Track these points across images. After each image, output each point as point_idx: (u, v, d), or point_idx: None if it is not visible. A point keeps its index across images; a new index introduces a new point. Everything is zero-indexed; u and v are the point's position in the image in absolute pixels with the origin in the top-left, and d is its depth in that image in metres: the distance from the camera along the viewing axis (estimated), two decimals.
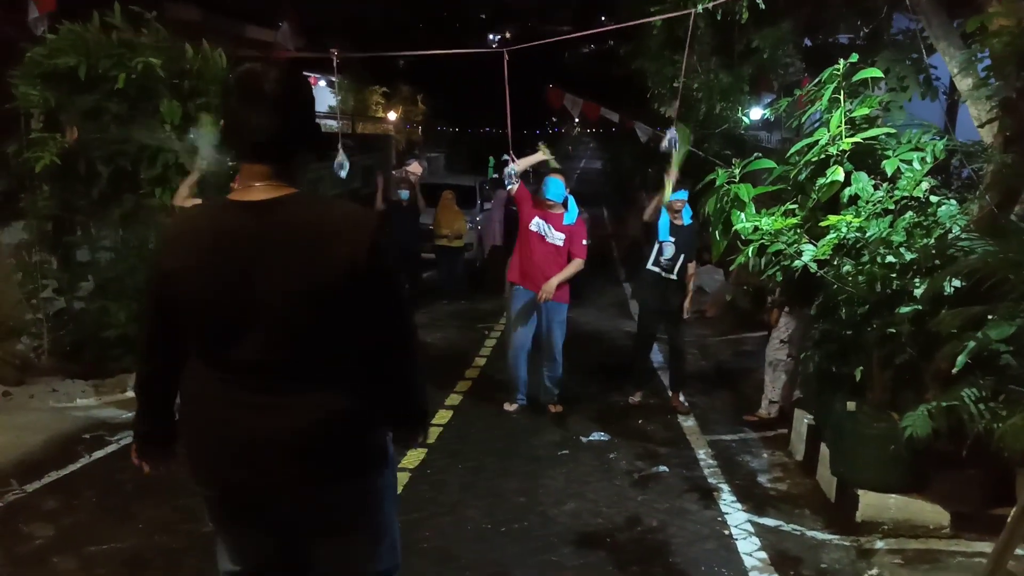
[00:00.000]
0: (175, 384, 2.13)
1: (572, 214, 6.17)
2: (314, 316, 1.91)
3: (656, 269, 6.36)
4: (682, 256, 6.33)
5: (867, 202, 4.45)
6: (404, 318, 2.09)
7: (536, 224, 6.11)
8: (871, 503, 4.43)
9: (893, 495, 4.41)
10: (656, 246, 6.35)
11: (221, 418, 1.98)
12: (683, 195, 6.34)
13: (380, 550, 2.20)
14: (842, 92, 4.60)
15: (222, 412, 1.98)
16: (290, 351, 1.93)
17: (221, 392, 1.98)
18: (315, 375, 1.97)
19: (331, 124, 19.41)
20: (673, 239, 6.31)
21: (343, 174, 6.99)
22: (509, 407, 6.44)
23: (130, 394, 6.20)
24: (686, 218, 6.39)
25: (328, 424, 1.97)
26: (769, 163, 4.89)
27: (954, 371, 3.73)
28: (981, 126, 4.98)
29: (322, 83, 16.17)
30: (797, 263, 4.49)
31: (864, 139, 4.54)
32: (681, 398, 6.68)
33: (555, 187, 6.07)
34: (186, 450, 2.08)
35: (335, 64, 7.26)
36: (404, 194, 10.45)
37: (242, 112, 1.92)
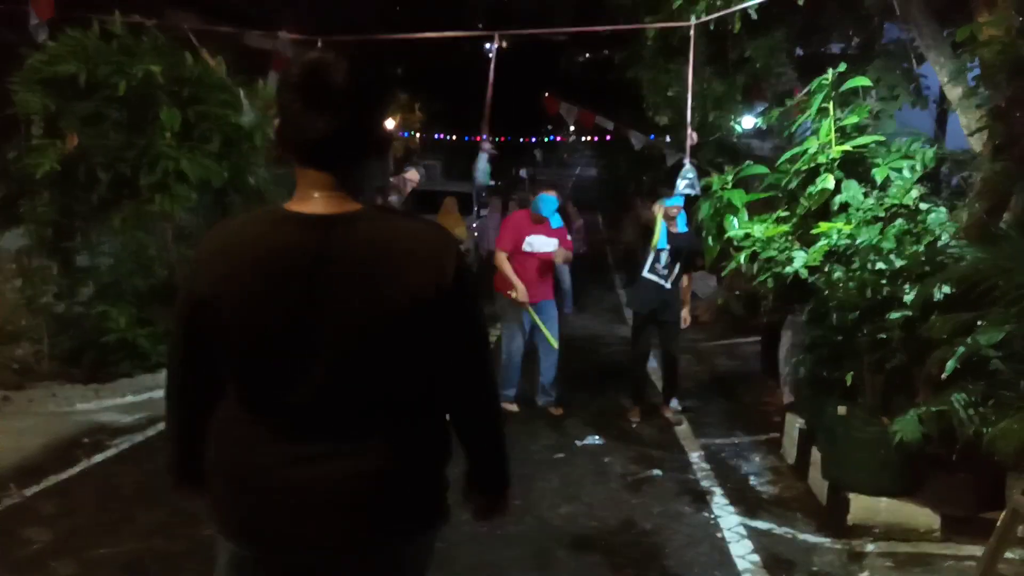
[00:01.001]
0: (207, 428, 1.79)
1: (556, 220, 6.45)
2: (384, 351, 1.63)
3: (652, 276, 6.34)
4: (678, 265, 6.34)
5: (858, 209, 4.51)
6: (484, 352, 1.81)
7: (529, 244, 6.26)
8: (862, 506, 4.47)
9: (884, 499, 4.46)
10: (652, 253, 6.34)
11: (267, 468, 1.66)
12: (679, 201, 6.35)
13: None
14: (831, 101, 4.67)
15: (266, 462, 1.67)
16: (354, 392, 1.64)
17: (267, 439, 1.67)
18: (379, 420, 1.68)
19: None
20: (669, 247, 6.31)
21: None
22: (511, 406, 6.47)
23: (130, 398, 6.24)
24: (681, 226, 6.38)
25: (391, 476, 1.69)
26: (761, 169, 4.96)
27: (944, 376, 3.79)
28: (971, 134, 5.04)
29: None
30: (788, 269, 4.54)
31: (854, 147, 4.61)
32: (673, 403, 6.68)
33: (549, 203, 6.34)
34: (215, 501, 1.76)
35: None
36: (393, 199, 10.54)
37: (303, 108, 1.61)
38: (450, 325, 1.68)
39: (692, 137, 6.34)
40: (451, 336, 1.69)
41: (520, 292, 6.14)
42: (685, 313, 6.60)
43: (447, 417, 1.80)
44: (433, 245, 1.67)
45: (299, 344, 1.60)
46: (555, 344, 6.43)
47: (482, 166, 7.09)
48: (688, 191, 6.22)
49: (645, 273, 6.33)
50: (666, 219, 6.30)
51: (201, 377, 1.75)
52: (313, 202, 1.64)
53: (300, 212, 1.64)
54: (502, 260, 6.26)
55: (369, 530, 1.68)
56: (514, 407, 6.50)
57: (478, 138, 7.13)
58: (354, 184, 1.67)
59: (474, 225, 13.42)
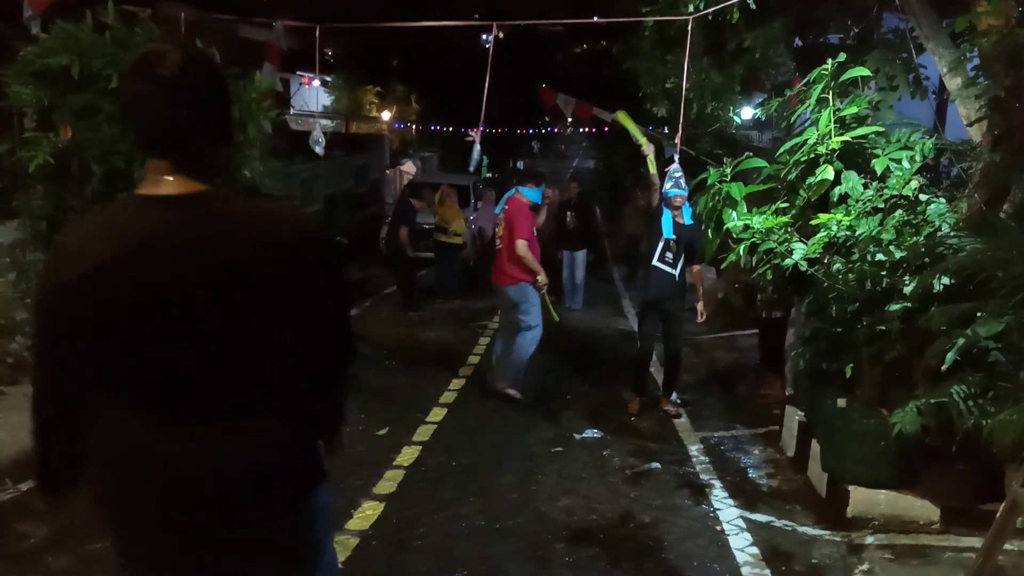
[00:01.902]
0: (76, 423, 1.76)
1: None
2: (249, 321, 1.66)
3: (662, 266, 6.30)
4: (683, 256, 6.32)
5: (857, 201, 4.49)
6: (348, 319, 1.89)
7: (535, 231, 6.70)
8: (861, 499, 4.47)
9: (883, 491, 4.45)
10: (661, 243, 6.32)
11: (146, 453, 1.68)
12: (683, 191, 6.31)
13: (320, 564, 1.92)
14: (831, 91, 4.65)
15: (146, 446, 1.67)
16: (223, 365, 1.67)
17: (142, 424, 1.67)
18: (250, 394, 1.71)
19: (324, 123, 19.40)
20: (676, 237, 6.28)
21: (318, 149, 7.13)
22: (515, 392, 6.67)
23: None
24: (687, 217, 6.35)
25: (268, 448, 1.73)
26: (760, 162, 4.94)
27: (943, 368, 3.78)
28: (970, 125, 5.02)
29: (316, 82, 16.15)
30: (788, 261, 4.52)
31: (853, 138, 4.58)
32: (673, 397, 6.68)
33: (536, 194, 6.85)
34: (96, 496, 1.77)
35: (313, 61, 7.34)
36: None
37: (140, 97, 1.66)
38: (311, 297, 1.72)
39: (678, 140, 6.30)
40: (315, 300, 1.74)
41: (543, 277, 6.56)
42: (701, 307, 6.61)
43: (313, 385, 1.82)
44: (286, 221, 1.72)
45: (164, 324, 1.61)
46: (556, 317, 7.10)
47: (475, 156, 7.17)
48: (676, 192, 6.17)
49: (655, 262, 6.31)
50: (671, 208, 6.28)
51: (70, 370, 1.72)
52: (161, 185, 1.67)
53: (150, 194, 1.67)
54: (526, 249, 6.44)
55: (243, 506, 1.71)
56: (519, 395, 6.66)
57: (476, 129, 7.15)
58: (199, 168, 1.69)
59: (471, 217, 13.38)
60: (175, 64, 1.63)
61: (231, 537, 1.75)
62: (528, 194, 6.69)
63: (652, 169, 6.14)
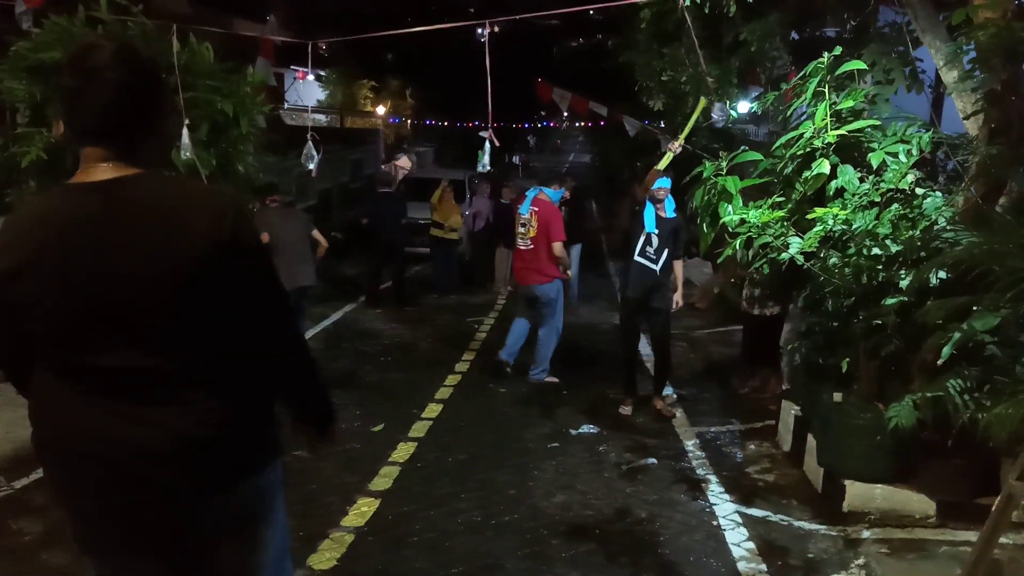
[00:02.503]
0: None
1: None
2: (180, 303, 1.71)
3: (643, 260, 6.26)
4: (666, 250, 6.29)
5: (853, 195, 4.48)
6: (276, 292, 1.91)
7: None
8: (858, 493, 4.47)
9: (879, 485, 4.46)
10: (643, 236, 6.31)
11: (85, 432, 1.74)
12: (666, 183, 6.25)
13: (273, 541, 1.97)
14: (827, 85, 4.63)
15: (86, 425, 1.74)
16: (159, 348, 1.72)
17: (81, 403, 1.74)
18: (189, 372, 1.76)
19: (319, 118, 19.32)
20: (657, 231, 6.25)
21: (311, 165, 7.12)
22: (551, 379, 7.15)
23: None
24: (669, 211, 6.31)
25: (213, 426, 1.77)
26: (756, 155, 4.92)
27: (940, 362, 3.77)
28: (966, 118, 5.01)
29: (310, 77, 16.10)
30: (784, 255, 4.51)
31: (849, 132, 4.57)
32: (669, 391, 6.65)
33: (556, 195, 7.29)
34: (47, 476, 1.84)
35: (307, 55, 7.30)
36: None
37: (74, 91, 1.74)
38: (238, 275, 1.78)
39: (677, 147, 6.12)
40: (241, 286, 1.79)
41: (570, 271, 7.24)
42: (677, 296, 6.55)
43: (258, 364, 1.88)
44: (210, 203, 1.77)
45: (97, 305, 1.69)
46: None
47: (487, 156, 7.14)
48: (658, 184, 6.10)
49: (636, 257, 6.27)
50: (653, 201, 6.23)
51: (14, 352, 1.84)
52: (92, 171, 1.75)
53: (83, 181, 1.75)
54: (563, 250, 6.96)
55: (191, 485, 1.77)
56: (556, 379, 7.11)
57: (486, 127, 7.16)
58: (131, 156, 1.77)
59: (467, 213, 13.35)
60: (106, 58, 1.71)
61: (170, 517, 1.78)
62: (552, 195, 7.08)
63: (664, 164, 6.04)
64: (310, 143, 6.98)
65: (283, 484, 2.01)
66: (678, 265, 6.52)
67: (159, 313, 1.71)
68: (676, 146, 5.91)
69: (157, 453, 1.73)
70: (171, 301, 1.70)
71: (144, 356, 1.71)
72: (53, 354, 1.77)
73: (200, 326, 1.75)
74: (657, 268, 6.24)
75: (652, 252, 6.22)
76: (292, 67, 18.10)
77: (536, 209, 6.91)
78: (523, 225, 7.00)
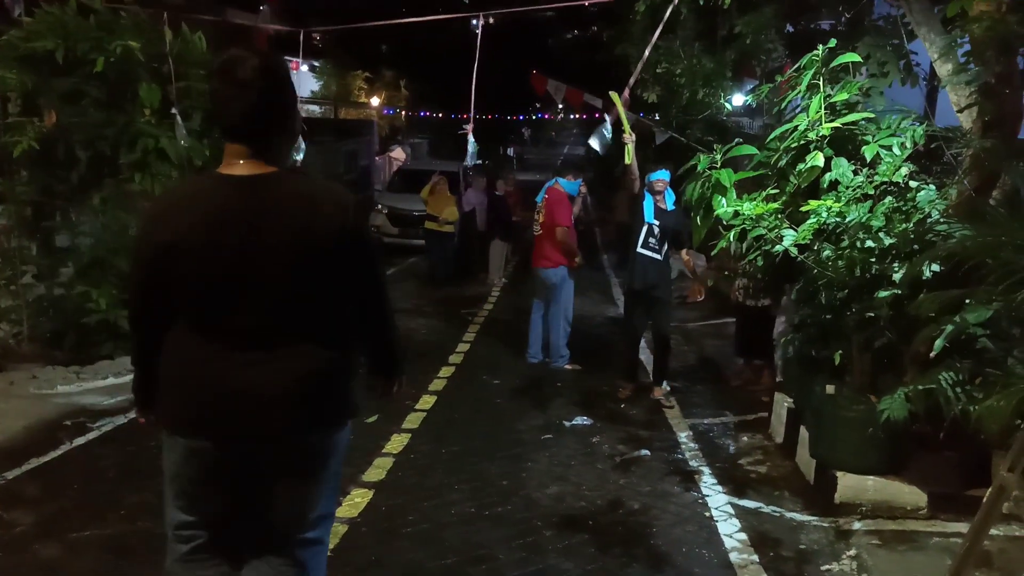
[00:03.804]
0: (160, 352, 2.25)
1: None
2: (302, 280, 2.12)
3: (646, 252, 6.30)
4: (667, 242, 6.31)
5: (847, 187, 4.48)
6: (381, 280, 2.35)
7: (574, 219, 7.35)
8: (849, 485, 4.49)
9: (871, 477, 4.47)
10: (644, 227, 6.32)
11: (214, 376, 2.15)
12: (664, 175, 6.29)
13: (326, 495, 2.38)
14: (822, 78, 4.63)
15: (215, 371, 2.15)
16: (281, 313, 2.13)
17: (213, 353, 2.15)
18: (302, 334, 2.18)
19: (312, 109, 19.24)
20: (658, 222, 6.27)
21: (298, 156, 7.18)
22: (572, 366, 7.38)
23: (111, 380, 6.18)
24: (669, 203, 6.35)
25: (314, 377, 2.19)
26: (750, 149, 4.91)
27: (932, 354, 3.78)
28: (960, 111, 5.01)
29: (304, 68, 16.02)
30: (778, 248, 4.51)
31: (844, 124, 4.57)
32: (664, 386, 6.67)
33: (573, 186, 7.50)
34: (173, 408, 2.23)
35: (300, 46, 7.28)
36: None
37: (223, 96, 2.09)
38: (353, 262, 2.20)
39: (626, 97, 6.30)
40: (355, 270, 2.22)
41: (580, 259, 7.31)
42: (697, 287, 6.61)
43: (353, 336, 2.33)
44: (336, 200, 2.18)
45: (236, 278, 2.09)
46: None
47: (471, 149, 7.32)
48: (656, 176, 6.32)
49: (639, 248, 6.30)
50: (652, 193, 6.28)
51: (156, 309, 2.21)
52: (237, 167, 2.12)
53: (229, 175, 2.12)
54: (566, 234, 7.06)
55: (289, 422, 2.18)
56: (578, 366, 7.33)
57: (466, 119, 7.19)
58: (268, 153, 2.14)
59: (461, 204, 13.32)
60: (252, 68, 2.07)
61: (278, 448, 2.22)
62: (566, 186, 7.26)
63: (629, 159, 6.13)
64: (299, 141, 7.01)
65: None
66: (687, 257, 6.58)
67: (284, 286, 2.11)
68: (627, 138, 6.13)
69: (268, 392, 2.14)
70: (295, 278, 2.12)
71: (267, 318, 2.13)
72: (196, 313, 2.16)
73: (315, 297, 2.16)
74: (660, 258, 6.31)
75: (654, 243, 6.27)
76: (285, 57, 18.03)
77: (547, 197, 7.24)
78: (537, 212, 7.37)
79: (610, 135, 6.33)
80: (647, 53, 6.68)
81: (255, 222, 2.07)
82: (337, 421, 2.30)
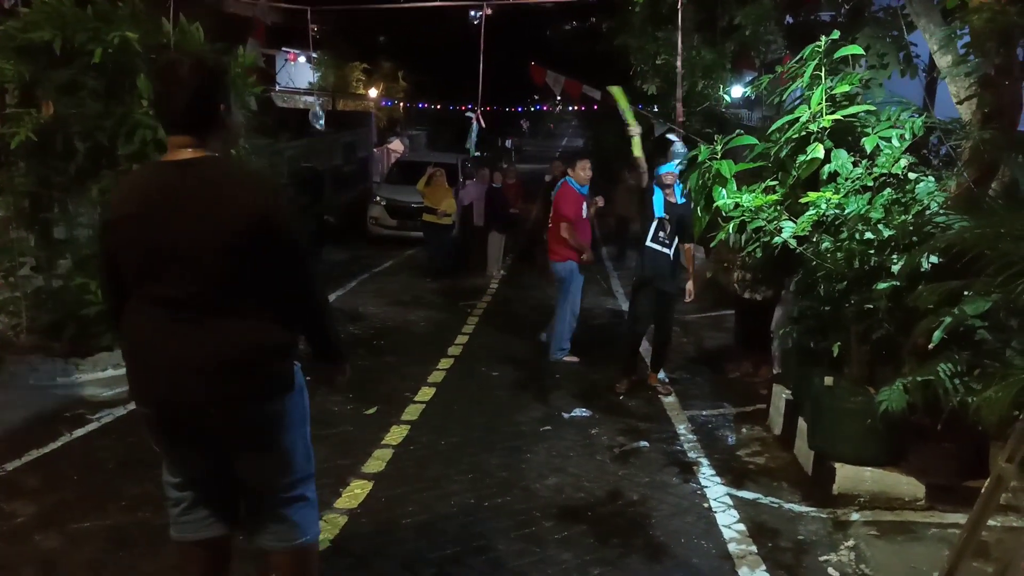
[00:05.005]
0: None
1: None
2: (224, 257, 2.27)
3: (656, 246, 6.29)
4: (676, 236, 6.30)
5: (846, 179, 4.48)
6: (304, 265, 2.43)
7: (584, 212, 7.20)
8: (848, 476, 4.50)
9: (869, 468, 4.48)
10: (654, 222, 6.31)
11: (153, 344, 2.35)
12: (673, 168, 6.28)
13: (292, 463, 2.55)
14: (823, 69, 4.62)
15: (153, 339, 2.35)
16: (205, 288, 2.30)
17: (152, 322, 2.35)
18: (227, 310, 2.33)
19: (310, 100, 19.19)
20: (668, 216, 6.26)
21: (320, 124, 7.28)
22: (573, 359, 7.39)
23: (110, 371, 6.18)
24: (678, 195, 6.33)
25: (239, 351, 2.33)
26: (750, 139, 4.91)
27: (930, 346, 3.79)
28: (960, 103, 5.01)
29: (301, 59, 15.97)
30: (777, 239, 4.52)
31: (844, 116, 4.56)
32: (661, 375, 6.68)
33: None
34: (128, 377, 2.47)
35: (297, 38, 7.28)
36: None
37: (163, 94, 2.37)
38: (274, 245, 2.32)
39: (679, 111, 6.28)
40: (277, 254, 2.34)
41: (589, 254, 7.24)
42: (690, 286, 6.61)
43: (286, 310, 2.44)
44: (259, 180, 2.42)
45: (164, 251, 2.28)
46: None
47: (473, 137, 7.34)
48: (666, 168, 6.31)
49: (649, 243, 6.29)
50: (662, 187, 6.27)
51: (115, 280, 2.44)
52: (176, 153, 2.36)
53: (168, 160, 2.37)
54: (568, 229, 7.04)
55: (217, 394, 2.34)
56: (575, 359, 7.30)
57: (475, 109, 7.21)
58: (206, 143, 2.37)
59: (459, 197, 13.32)
60: (187, 68, 2.31)
61: (213, 419, 2.36)
62: (577, 188, 7.21)
63: (637, 151, 6.12)
64: (317, 105, 7.07)
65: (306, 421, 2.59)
66: (689, 251, 6.56)
67: (206, 261, 2.27)
68: (633, 130, 6.23)
69: (195, 364, 2.31)
70: (216, 254, 2.26)
71: (192, 290, 2.28)
72: (137, 285, 2.36)
73: (237, 275, 2.30)
74: (670, 252, 6.31)
75: (665, 237, 6.26)
76: (284, 48, 17.94)
77: (557, 192, 7.34)
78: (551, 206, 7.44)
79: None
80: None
81: (183, 198, 2.26)
82: (267, 395, 2.41)
